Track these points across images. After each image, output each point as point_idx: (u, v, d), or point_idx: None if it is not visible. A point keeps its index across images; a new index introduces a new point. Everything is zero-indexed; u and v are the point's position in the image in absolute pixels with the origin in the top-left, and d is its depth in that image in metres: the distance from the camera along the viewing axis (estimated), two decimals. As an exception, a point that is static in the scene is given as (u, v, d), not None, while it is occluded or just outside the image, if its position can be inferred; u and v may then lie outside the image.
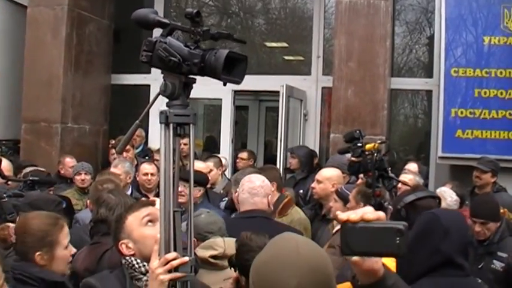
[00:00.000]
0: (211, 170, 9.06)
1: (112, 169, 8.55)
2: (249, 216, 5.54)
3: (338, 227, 6.25)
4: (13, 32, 11.98)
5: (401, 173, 7.87)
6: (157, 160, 9.28)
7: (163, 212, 2.91)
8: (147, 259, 3.34)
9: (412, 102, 13.06)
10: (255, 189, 5.74)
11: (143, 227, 3.57)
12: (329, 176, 7.28)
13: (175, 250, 2.92)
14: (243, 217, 5.56)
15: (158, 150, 9.80)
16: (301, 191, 9.13)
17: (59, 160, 10.25)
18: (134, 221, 3.61)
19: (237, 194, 5.97)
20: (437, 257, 3.71)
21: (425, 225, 3.93)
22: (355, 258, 2.27)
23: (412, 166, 8.75)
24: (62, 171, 9.93)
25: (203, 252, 4.86)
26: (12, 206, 5.41)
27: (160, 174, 2.94)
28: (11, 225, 4.10)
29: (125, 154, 9.73)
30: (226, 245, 4.77)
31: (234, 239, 4.30)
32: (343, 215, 2.27)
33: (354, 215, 2.26)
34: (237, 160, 10.66)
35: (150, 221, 3.57)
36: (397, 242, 2.19)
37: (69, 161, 9.94)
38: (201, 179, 7.23)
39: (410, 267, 3.72)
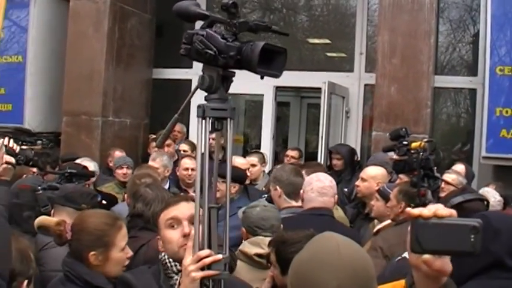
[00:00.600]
0: (254, 166, 9.04)
1: (150, 162, 8.60)
2: (318, 214, 5.51)
3: (379, 226, 6.20)
4: (55, 25, 12.07)
5: (445, 172, 7.77)
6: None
7: (199, 208, 2.84)
8: (173, 259, 3.39)
9: (455, 100, 12.90)
10: (325, 189, 5.76)
11: (166, 229, 3.54)
12: (374, 175, 7.21)
13: (209, 247, 2.84)
14: (311, 214, 5.51)
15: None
16: (345, 189, 9.04)
17: (109, 153, 10.32)
18: (161, 221, 3.59)
19: (302, 191, 5.92)
20: (486, 258, 3.59)
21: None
22: (425, 256, 2.16)
23: (459, 167, 8.60)
24: (111, 164, 9.94)
25: (249, 248, 4.82)
26: (47, 199, 5.41)
27: (197, 170, 2.88)
28: (68, 221, 4.06)
29: (166, 149, 9.74)
30: None
31: None
32: (415, 211, 2.17)
33: (426, 210, 2.16)
34: (287, 158, 10.46)
35: (172, 224, 3.52)
36: (472, 239, 2.09)
37: (119, 154, 9.95)
38: (238, 176, 7.18)
39: (458, 268, 3.62)
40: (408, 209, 2.24)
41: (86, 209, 5.06)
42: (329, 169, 9.35)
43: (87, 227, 3.96)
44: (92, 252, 3.88)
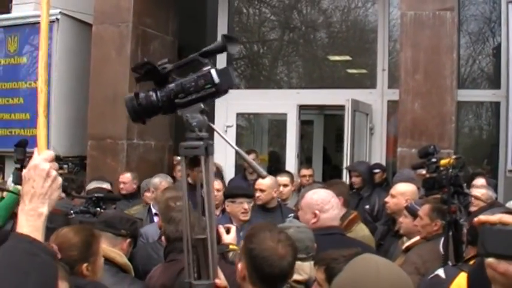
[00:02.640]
0: (286, 186, 9.05)
1: (160, 185, 8.69)
2: (326, 233, 5.48)
3: (408, 243, 6.17)
4: (79, 50, 12.16)
5: (472, 187, 7.73)
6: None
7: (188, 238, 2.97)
8: None
9: (478, 114, 12.88)
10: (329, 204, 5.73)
11: None
12: (403, 191, 7.20)
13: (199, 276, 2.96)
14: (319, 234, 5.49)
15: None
16: (367, 207, 9.04)
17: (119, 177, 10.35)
18: None
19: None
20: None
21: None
22: (489, 259, 2.20)
23: (480, 181, 8.56)
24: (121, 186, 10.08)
25: (287, 274, 4.82)
26: (79, 223, 5.45)
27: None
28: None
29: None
30: (312, 271, 4.69)
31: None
32: (483, 217, 2.25)
33: (493, 217, 2.23)
34: (305, 178, 10.49)
35: None
36: None
37: (128, 177, 10.06)
38: (249, 193, 7.27)
39: (483, 282, 3.62)
40: (479, 217, 2.28)
41: (125, 235, 5.12)
42: (350, 188, 9.36)
43: (76, 242, 4.09)
44: (85, 264, 4.04)
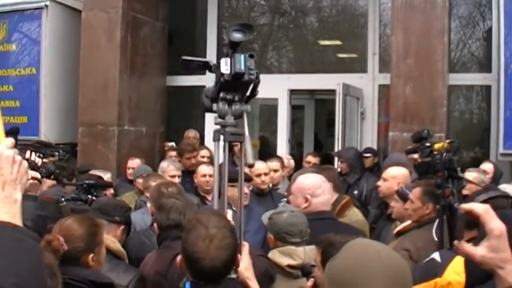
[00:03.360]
0: (276, 171, 9.04)
1: (168, 169, 8.74)
2: (318, 218, 5.47)
3: (400, 227, 6.18)
4: (68, 36, 12.09)
5: (466, 171, 7.75)
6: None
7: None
8: None
9: (469, 98, 12.89)
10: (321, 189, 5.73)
11: None
12: (395, 175, 7.19)
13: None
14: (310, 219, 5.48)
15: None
16: (355, 192, 9.03)
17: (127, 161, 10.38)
18: None
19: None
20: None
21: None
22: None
23: (488, 166, 8.56)
24: (129, 171, 10.07)
25: (281, 259, 4.80)
26: (71, 210, 5.43)
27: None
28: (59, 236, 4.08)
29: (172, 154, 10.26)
30: (306, 255, 4.69)
31: (314, 247, 4.20)
32: (467, 205, 2.42)
33: (477, 206, 2.39)
34: (309, 165, 10.36)
35: None
36: None
37: (138, 162, 10.03)
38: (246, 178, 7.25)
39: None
40: (462, 205, 2.33)
41: (119, 222, 5.11)
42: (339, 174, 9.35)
43: (82, 233, 4.03)
44: (91, 255, 3.99)
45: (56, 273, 3.36)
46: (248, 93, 3.62)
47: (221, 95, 3.53)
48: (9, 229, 2.45)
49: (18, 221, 2.50)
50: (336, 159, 10.56)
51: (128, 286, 4.67)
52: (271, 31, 15.05)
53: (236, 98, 3.55)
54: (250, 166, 3.21)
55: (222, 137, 3.56)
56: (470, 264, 3.69)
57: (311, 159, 10.62)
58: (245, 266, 3.60)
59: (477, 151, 12.01)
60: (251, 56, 3.54)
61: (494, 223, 2.49)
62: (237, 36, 3.44)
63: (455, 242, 2.65)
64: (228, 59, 3.42)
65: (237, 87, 3.53)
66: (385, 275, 2.41)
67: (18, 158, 2.57)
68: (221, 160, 3.52)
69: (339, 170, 9.72)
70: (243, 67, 3.44)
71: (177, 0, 12.93)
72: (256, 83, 3.58)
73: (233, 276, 3.49)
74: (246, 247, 3.67)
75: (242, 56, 3.45)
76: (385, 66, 11.58)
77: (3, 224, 2.46)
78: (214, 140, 3.59)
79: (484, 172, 7.95)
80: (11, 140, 2.60)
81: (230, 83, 3.48)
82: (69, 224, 4.07)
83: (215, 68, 3.53)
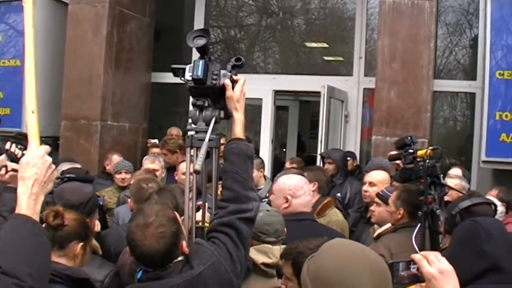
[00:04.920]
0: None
1: (150, 165, 8.77)
2: (297, 219, 5.46)
3: (379, 230, 6.18)
4: (54, 29, 12.00)
5: (445, 177, 7.77)
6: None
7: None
8: None
9: (454, 104, 12.93)
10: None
11: None
12: (382, 179, 7.24)
13: None
14: (290, 219, 5.47)
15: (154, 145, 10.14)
16: (338, 194, 9.01)
17: (106, 156, 10.32)
18: None
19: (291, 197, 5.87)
20: (483, 261, 3.61)
21: (467, 230, 3.86)
22: None
23: (456, 171, 8.62)
24: (108, 167, 9.99)
25: (256, 256, 4.78)
26: (45, 203, 5.36)
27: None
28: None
29: (155, 150, 10.18)
30: None
31: None
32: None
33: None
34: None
35: None
36: None
37: (116, 158, 9.95)
38: None
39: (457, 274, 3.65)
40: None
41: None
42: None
43: (76, 217, 3.96)
44: (81, 244, 3.89)
45: None
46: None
47: (192, 100, 3.56)
48: (30, 223, 2.84)
49: (37, 218, 2.88)
50: (318, 159, 10.54)
51: (103, 281, 4.64)
52: (259, 31, 15.05)
53: (206, 104, 3.56)
54: (196, 172, 3.23)
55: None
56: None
57: (288, 166, 10.53)
58: (236, 97, 3.70)
59: (459, 158, 12.05)
60: (237, 60, 3.58)
61: (425, 269, 2.84)
62: (199, 42, 3.48)
63: (413, 255, 2.94)
64: (192, 66, 3.47)
65: (204, 92, 3.55)
66: (371, 271, 2.49)
67: (54, 166, 3.01)
68: (194, 165, 3.54)
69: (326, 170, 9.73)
70: (200, 73, 3.47)
71: (165, -4, 12.94)
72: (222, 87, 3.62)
73: (180, 258, 3.53)
74: (242, 80, 3.76)
75: (201, 62, 3.48)
76: (371, 70, 11.60)
77: (27, 217, 2.84)
78: (186, 146, 3.63)
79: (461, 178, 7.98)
80: (48, 147, 3.05)
81: (196, 89, 3.54)
82: (62, 211, 4.05)
83: (181, 75, 3.56)
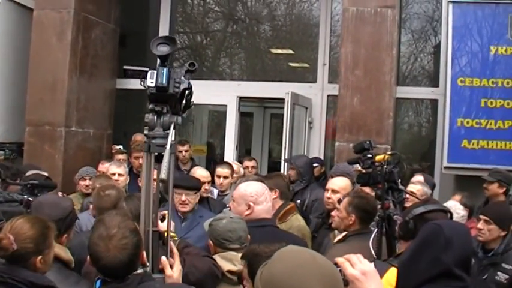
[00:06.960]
0: (226, 178, 9.06)
1: (116, 169, 8.84)
2: (259, 225, 5.50)
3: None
4: (18, 34, 11.94)
5: (409, 183, 7.84)
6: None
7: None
8: None
9: (417, 111, 13.04)
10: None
11: None
12: (344, 186, 7.30)
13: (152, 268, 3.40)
14: (252, 226, 5.50)
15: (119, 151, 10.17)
16: (298, 201, 9.00)
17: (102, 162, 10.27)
18: None
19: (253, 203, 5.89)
20: (436, 268, 3.65)
21: (427, 235, 3.88)
22: None
23: (418, 178, 8.68)
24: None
25: (222, 263, 4.81)
26: (2, 213, 5.29)
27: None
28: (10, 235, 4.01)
29: (120, 157, 10.30)
30: None
31: None
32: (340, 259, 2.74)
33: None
34: (248, 170, 10.42)
35: None
36: None
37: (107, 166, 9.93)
38: (194, 185, 7.20)
39: (409, 276, 3.70)
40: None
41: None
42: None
43: (32, 234, 3.93)
44: (39, 257, 3.89)
45: None
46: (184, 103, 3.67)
47: (150, 106, 3.57)
48: None
49: None
50: (283, 165, 10.59)
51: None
52: (225, 37, 15.08)
53: (165, 110, 3.56)
54: (162, 181, 3.24)
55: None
56: (403, 274, 3.77)
57: (248, 163, 10.74)
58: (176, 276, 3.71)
59: (422, 163, 12.15)
60: (191, 65, 3.59)
61: (348, 271, 2.93)
62: (163, 49, 3.49)
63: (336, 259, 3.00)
64: (155, 72, 3.47)
65: (165, 99, 3.56)
66: (321, 276, 2.49)
67: None
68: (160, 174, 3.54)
69: (288, 176, 9.73)
70: (164, 81, 3.47)
71: (130, 2, 12.89)
72: (185, 94, 3.63)
73: (140, 271, 3.57)
74: (176, 256, 3.79)
75: (165, 70, 3.47)
76: (335, 77, 11.65)
77: None
78: (143, 151, 3.62)
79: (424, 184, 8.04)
80: None
81: (156, 96, 3.53)
82: (21, 224, 4.02)
83: (142, 80, 3.57)
